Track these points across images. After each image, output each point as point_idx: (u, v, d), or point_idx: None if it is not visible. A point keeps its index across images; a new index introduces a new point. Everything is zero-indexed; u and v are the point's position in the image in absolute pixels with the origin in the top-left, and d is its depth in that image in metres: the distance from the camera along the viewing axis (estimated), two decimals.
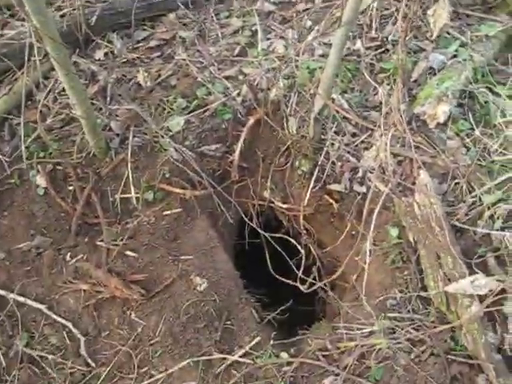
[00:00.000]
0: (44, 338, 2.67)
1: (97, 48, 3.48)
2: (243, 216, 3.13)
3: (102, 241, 2.89)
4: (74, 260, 2.85)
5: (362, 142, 3.04)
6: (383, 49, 3.37)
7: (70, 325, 2.68)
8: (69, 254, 2.87)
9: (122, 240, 2.86)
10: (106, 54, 3.45)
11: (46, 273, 2.83)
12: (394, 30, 3.45)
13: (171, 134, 3.04)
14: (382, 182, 2.84)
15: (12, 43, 3.31)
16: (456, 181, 2.91)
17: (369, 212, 2.74)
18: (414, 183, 2.83)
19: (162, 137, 2.98)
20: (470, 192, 2.86)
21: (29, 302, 2.75)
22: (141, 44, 3.51)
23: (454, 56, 3.32)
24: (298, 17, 3.53)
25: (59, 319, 2.69)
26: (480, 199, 2.80)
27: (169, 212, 2.96)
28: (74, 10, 3.36)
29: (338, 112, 2.88)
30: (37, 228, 2.92)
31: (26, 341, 2.65)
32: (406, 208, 2.76)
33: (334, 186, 3.01)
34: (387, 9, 3.60)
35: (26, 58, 2.94)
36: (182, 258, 2.82)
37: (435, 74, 3.24)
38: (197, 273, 2.76)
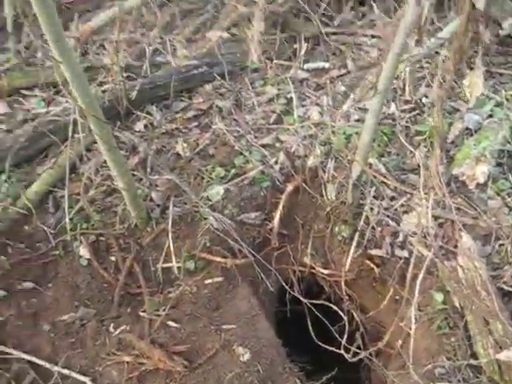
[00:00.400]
0: None
1: (137, 120, 3.59)
2: (283, 283, 3.11)
3: (144, 311, 2.90)
4: (118, 331, 2.85)
5: (402, 205, 3.03)
6: (417, 111, 3.41)
7: None
8: (112, 324, 2.87)
9: (164, 310, 2.86)
10: (145, 126, 3.55)
11: (90, 344, 2.83)
12: (427, 92, 3.50)
13: (211, 203, 3.09)
14: (424, 246, 2.81)
15: (57, 120, 3.44)
16: (500, 242, 2.87)
17: (412, 276, 2.71)
18: (456, 246, 2.79)
19: (202, 206, 3.02)
20: None
21: (73, 374, 2.74)
22: (179, 115, 3.61)
23: (490, 115, 3.34)
24: (332, 83, 3.60)
25: None
26: None
27: (210, 281, 2.96)
28: (116, 85, 3.49)
29: (375, 177, 2.89)
30: (80, 299, 2.95)
31: None
32: (449, 272, 2.72)
33: (375, 251, 2.99)
34: (419, 71, 3.66)
35: (70, 134, 3.06)
36: (224, 327, 2.81)
37: (472, 135, 3.25)
38: (239, 342, 2.73)
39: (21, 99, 3.75)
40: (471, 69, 3.48)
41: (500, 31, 3.59)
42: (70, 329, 2.87)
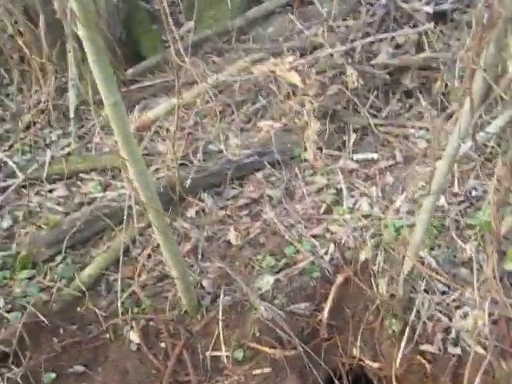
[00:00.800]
0: None
1: (189, 206, 3.69)
2: (332, 375, 3.08)
3: None
4: None
5: (453, 300, 3.01)
6: (467, 204, 3.43)
7: None
8: None
9: None
10: (197, 213, 3.65)
11: None
12: (476, 184, 3.52)
13: (261, 292, 3.12)
14: (478, 343, 2.76)
15: (113, 204, 3.57)
16: None
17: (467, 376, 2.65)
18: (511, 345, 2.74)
19: (252, 296, 3.05)
20: None
21: None
22: (230, 202, 3.71)
23: None
24: (381, 174, 3.66)
25: None
26: None
27: (258, 371, 2.96)
28: (171, 172, 3.62)
29: (426, 272, 2.89)
30: None
31: None
32: (506, 373, 2.65)
33: (427, 347, 2.94)
34: (466, 163, 3.70)
35: (125, 218, 3.17)
36: None
37: None
38: None
39: (79, 183, 3.92)
40: None
41: None
42: None
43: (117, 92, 2.10)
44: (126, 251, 3.36)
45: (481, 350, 2.70)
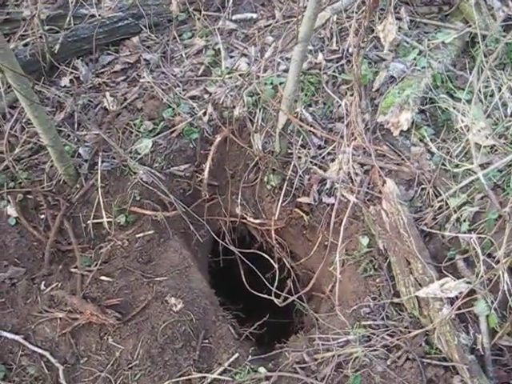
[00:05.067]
0: (22, 369, 2.64)
1: (62, 75, 3.50)
2: (213, 235, 3.15)
3: (76, 267, 2.89)
4: (49, 288, 2.84)
5: (329, 153, 3.09)
6: (345, 60, 3.44)
7: (47, 354, 2.66)
8: (43, 282, 2.86)
9: (96, 265, 2.87)
10: (71, 81, 3.46)
11: (21, 303, 2.81)
12: (354, 41, 3.52)
13: (140, 156, 3.07)
14: (350, 192, 2.88)
15: None
16: (422, 186, 2.96)
17: (339, 222, 2.78)
18: (381, 192, 2.88)
19: (130, 160, 3.00)
20: (437, 197, 2.92)
21: (4, 333, 2.72)
22: (106, 69, 3.53)
23: (414, 64, 3.39)
24: (260, 34, 3.58)
25: (36, 349, 2.67)
26: (446, 203, 2.86)
27: (141, 234, 2.98)
28: (37, 38, 3.37)
29: (302, 126, 2.92)
30: (10, 258, 2.91)
31: (4, 373, 2.62)
32: (374, 216, 2.81)
33: (304, 199, 3.04)
34: (348, 20, 3.67)
35: None
36: (157, 279, 2.84)
37: (396, 83, 3.30)
38: (172, 293, 2.77)
39: None
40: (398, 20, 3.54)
41: None
42: None
43: None
44: None
45: (352, 198, 2.81)
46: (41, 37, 3.38)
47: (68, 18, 3.57)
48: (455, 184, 2.90)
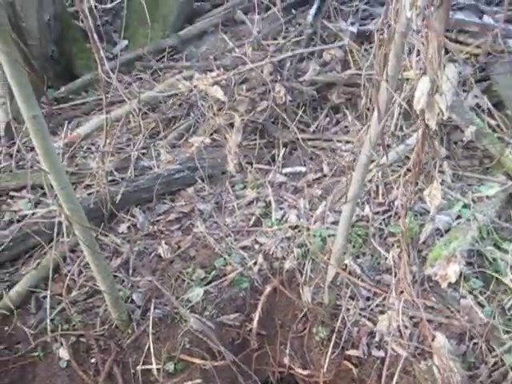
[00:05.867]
0: None
1: (120, 222, 3.70)
2: None
3: None
4: None
5: (377, 305, 3.11)
6: (391, 213, 3.56)
7: None
8: None
9: None
10: (128, 228, 3.66)
11: None
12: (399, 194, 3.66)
13: (191, 304, 3.15)
14: (400, 345, 2.86)
15: (43, 221, 3.53)
16: (474, 341, 2.92)
17: (390, 377, 2.74)
18: (431, 346, 2.84)
19: (181, 308, 3.08)
20: (491, 352, 2.86)
21: None
22: (161, 217, 3.73)
23: (459, 217, 3.48)
24: (309, 187, 3.77)
25: None
26: (501, 359, 2.80)
27: (190, 383, 2.98)
28: (101, 189, 3.62)
29: (349, 279, 2.98)
30: None
31: None
32: (425, 373, 2.76)
33: (353, 352, 3.03)
34: (392, 174, 3.85)
35: (55, 235, 3.15)
36: None
37: (442, 235, 3.37)
38: None
39: (9, 200, 3.86)
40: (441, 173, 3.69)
41: (464, 138, 3.81)
42: None
43: (36, 106, 2.12)
44: (57, 268, 3.33)
45: (403, 352, 2.79)
46: (104, 187, 3.63)
47: (129, 171, 3.86)
48: (510, 339, 2.85)
